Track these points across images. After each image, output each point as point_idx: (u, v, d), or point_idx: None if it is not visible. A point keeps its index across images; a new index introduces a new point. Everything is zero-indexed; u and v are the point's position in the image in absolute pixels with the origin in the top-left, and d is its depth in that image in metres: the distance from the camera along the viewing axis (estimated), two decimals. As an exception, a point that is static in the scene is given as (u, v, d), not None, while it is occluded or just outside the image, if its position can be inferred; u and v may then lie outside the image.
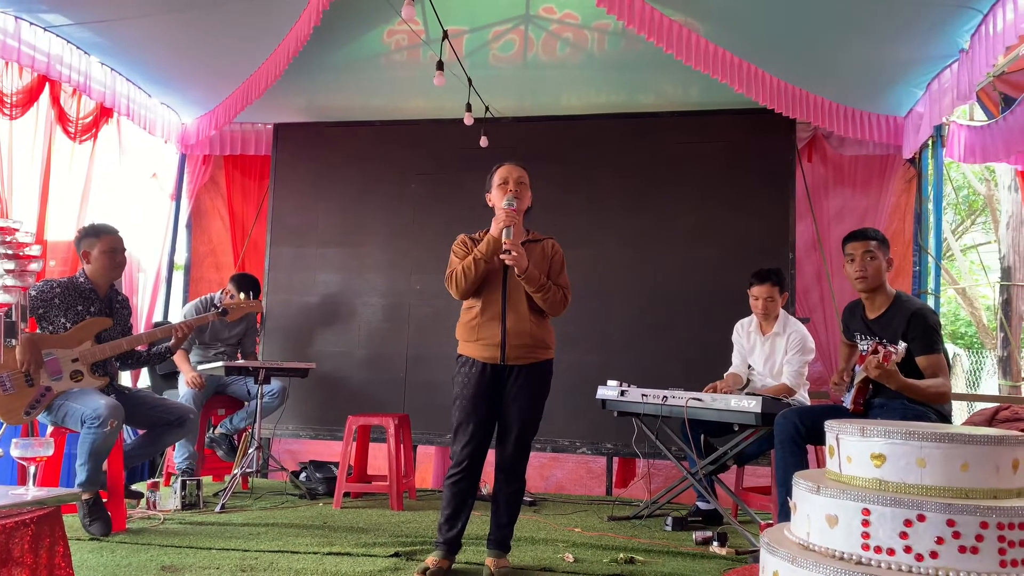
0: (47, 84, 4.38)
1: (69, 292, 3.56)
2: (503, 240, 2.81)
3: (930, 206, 5.08)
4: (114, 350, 3.57)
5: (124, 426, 3.59)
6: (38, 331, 3.53)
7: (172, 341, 3.78)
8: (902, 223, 5.14)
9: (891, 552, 1.60)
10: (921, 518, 1.58)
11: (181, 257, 5.99)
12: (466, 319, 2.97)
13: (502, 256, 2.80)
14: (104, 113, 4.85)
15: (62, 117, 4.52)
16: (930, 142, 4.94)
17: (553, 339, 3.01)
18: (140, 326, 5.17)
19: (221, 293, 4.97)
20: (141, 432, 3.86)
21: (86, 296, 3.60)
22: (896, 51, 4.05)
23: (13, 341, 3.21)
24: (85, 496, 3.30)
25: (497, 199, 2.95)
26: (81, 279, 3.62)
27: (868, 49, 4.06)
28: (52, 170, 4.51)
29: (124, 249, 3.70)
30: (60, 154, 4.60)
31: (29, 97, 4.24)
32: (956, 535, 1.56)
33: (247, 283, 4.83)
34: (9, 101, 4.10)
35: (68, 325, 3.52)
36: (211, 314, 3.98)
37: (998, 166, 7.64)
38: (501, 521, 2.96)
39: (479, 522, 3.45)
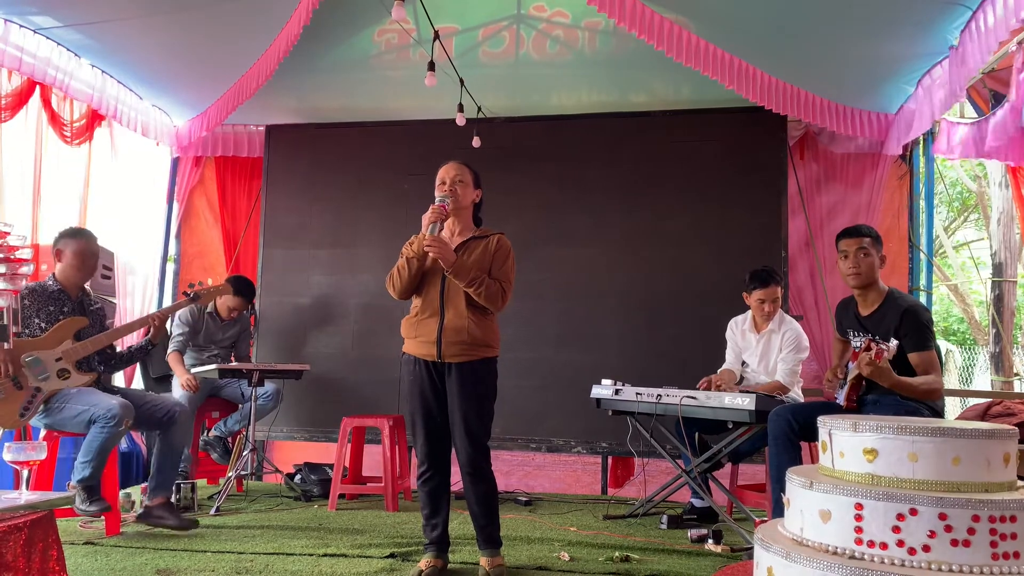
0: (37, 87, 4.36)
1: (37, 295, 3.54)
2: (425, 236, 2.82)
3: (922, 203, 5.10)
4: (95, 345, 3.56)
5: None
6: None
7: (152, 333, 3.76)
8: (895, 220, 5.15)
9: (884, 546, 1.60)
10: (913, 512, 1.59)
11: (171, 259, 5.96)
12: (409, 316, 2.99)
13: (426, 249, 2.81)
14: (97, 116, 4.83)
15: (55, 120, 4.50)
16: (921, 139, 4.96)
17: (496, 338, 2.98)
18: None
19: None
20: (143, 451, 3.82)
21: (56, 298, 3.58)
22: (886, 48, 4.06)
23: (5, 344, 3.20)
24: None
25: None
26: (49, 282, 3.60)
27: (859, 46, 4.07)
28: (45, 173, 4.48)
29: (97, 256, 3.68)
30: (53, 157, 4.57)
31: (18, 100, 4.22)
32: (948, 528, 1.56)
33: (242, 286, 4.82)
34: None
35: (44, 326, 3.50)
36: (184, 301, 3.99)
37: (989, 163, 7.68)
38: (480, 523, 2.96)
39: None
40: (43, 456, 2.26)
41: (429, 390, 2.91)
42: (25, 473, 2.23)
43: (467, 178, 3.01)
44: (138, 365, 4.96)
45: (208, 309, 4.81)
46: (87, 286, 3.78)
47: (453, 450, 2.97)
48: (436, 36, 3.95)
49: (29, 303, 3.51)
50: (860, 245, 3.23)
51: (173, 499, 3.99)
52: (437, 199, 2.92)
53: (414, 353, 2.94)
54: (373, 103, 5.32)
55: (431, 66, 3.97)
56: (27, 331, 3.50)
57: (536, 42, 4.52)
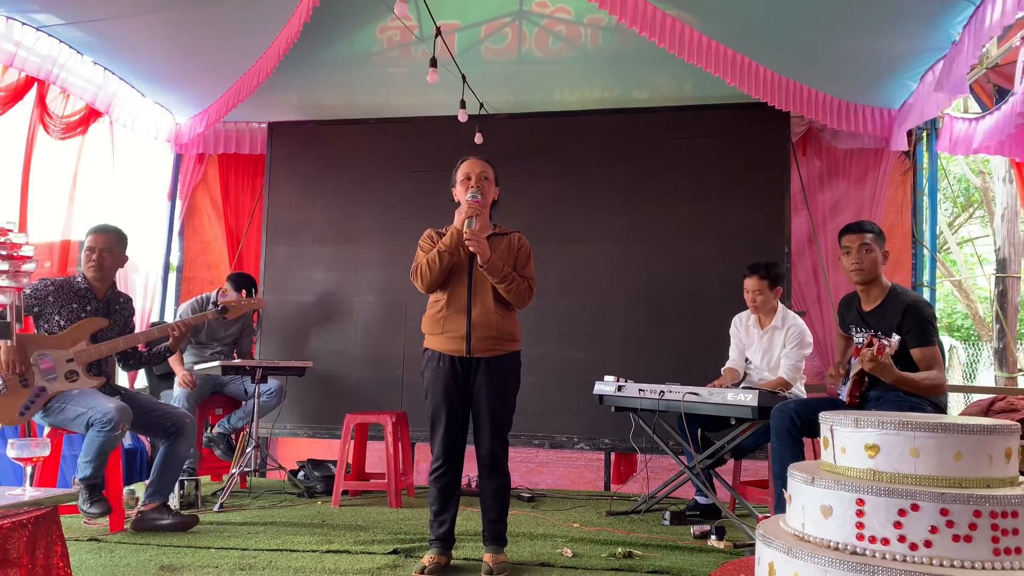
0: (35, 83, 4.36)
1: (63, 291, 3.55)
2: (464, 230, 2.82)
3: (925, 199, 5.09)
4: (110, 350, 3.56)
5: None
6: (35, 330, 3.52)
7: (170, 341, 3.77)
8: (899, 216, 5.14)
9: (885, 542, 1.60)
10: (915, 508, 1.58)
11: (175, 257, 5.97)
12: (432, 312, 2.98)
13: (466, 243, 2.81)
14: (95, 112, 4.83)
15: (44, 114, 4.48)
16: (924, 134, 4.94)
17: (519, 331, 3.01)
18: (138, 327, 5.14)
19: (217, 293, 4.96)
20: (147, 448, 3.81)
21: (82, 295, 3.59)
22: (890, 43, 4.05)
23: (7, 342, 3.21)
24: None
25: (461, 194, 2.97)
26: (78, 279, 3.62)
27: (862, 41, 4.06)
28: (36, 170, 4.46)
29: (107, 250, 3.62)
30: (44, 153, 4.55)
31: (13, 95, 4.22)
32: (950, 524, 1.56)
33: (244, 282, 4.83)
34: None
35: (63, 324, 3.51)
36: (210, 312, 3.97)
37: (993, 158, 7.65)
38: (491, 517, 2.97)
39: (476, 517, 3.45)
40: (46, 453, 2.26)
41: (454, 386, 2.91)
42: (29, 470, 2.23)
43: (490, 175, 3.03)
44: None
45: (210, 305, 4.81)
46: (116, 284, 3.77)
47: (466, 447, 2.98)
48: (438, 32, 3.95)
49: (53, 299, 3.52)
50: (863, 241, 3.23)
51: (177, 495, 4.01)
52: (468, 195, 2.91)
53: (440, 349, 2.93)
54: (375, 100, 5.31)
55: (433, 62, 3.97)
56: (46, 326, 3.51)
57: (538, 38, 4.51)
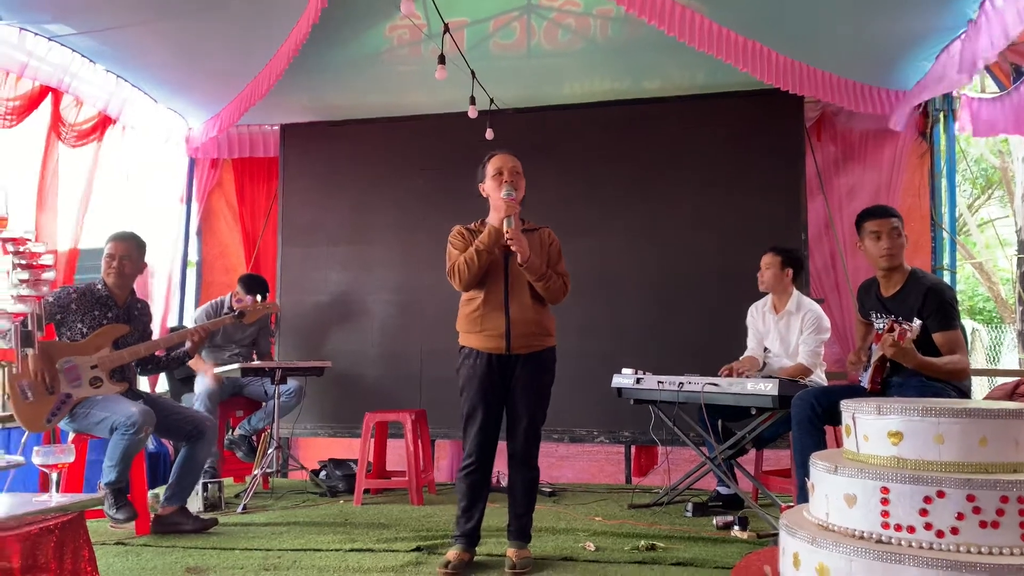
0: (49, 92, 4.39)
1: (85, 298, 3.59)
2: (505, 230, 2.81)
3: (943, 181, 5.02)
4: (132, 355, 3.60)
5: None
6: (57, 338, 3.57)
7: (189, 346, 3.80)
8: (916, 199, 5.08)
9: (911, 529, 1.58)
10: (941, 495, 1.57)
11: (192, 260, 6.01)
12: (468, 310, 2.98)
13: (507, 242, 2.80)
14: (108, 120, 4.86)
15: (57, 123, 4.51)
16: (941, 116, 4.87)
17: (554, 326, 3.02)
18: (156, 331, 5.19)
19: (231, 296, 4.99)
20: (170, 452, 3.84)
21: (103, 302, 3.63)
22: (904, 23, 3.99)
23: (31, 350, 3.24)
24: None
25: (492, 189, 2.95)
26: (99, 285, 3.66)
27: (875, 22, 4.00)
28: (52, 178, 4.49)
29: (127, 257, 3.66)
30: (61, 161, 4.58)
31: (28, 105, 4.25)
32: (976, 510, 1.54)
33: (256, 284, 4.85)
34: (2, 109, 4.10)
35: (86, 331, 3.55)
36: (227, 317, 3.99)
37: (1012, 138, 7.55)
38: (518, 511, 2.97)
39: (499, 514, 3.45)
40: (71, 459, 2.28)
41: (490, 384, 2.92)
42: (54, 476, 2.26)
43: (520, 169, 3.02)
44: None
45: (225, 309, 4.84)
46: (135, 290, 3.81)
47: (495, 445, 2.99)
48: (446, 29, 3.94)
49: (76, 307, 3.57)
50: (892, 225, 3.18)
51: (201, 497, 4.04)
52: (503, 192, 2.89)
53: (479, 347, 2.94)
54: (386, 99, 5.31)
55: (441, 59, 3.96)
56: (68, 333, 3.55)
57: (547, 32, 4.49)
